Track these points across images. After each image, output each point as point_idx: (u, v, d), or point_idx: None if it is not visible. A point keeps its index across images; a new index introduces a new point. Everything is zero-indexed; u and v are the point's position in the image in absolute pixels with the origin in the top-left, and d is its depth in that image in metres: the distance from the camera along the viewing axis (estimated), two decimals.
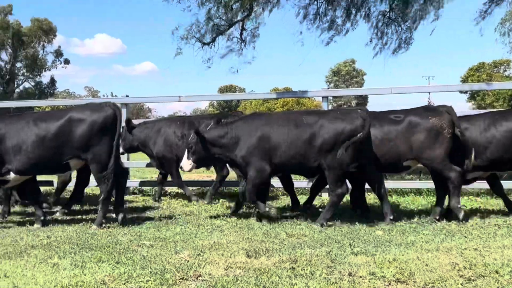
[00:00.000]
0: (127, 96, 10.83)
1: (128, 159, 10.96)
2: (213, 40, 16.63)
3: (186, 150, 7.43)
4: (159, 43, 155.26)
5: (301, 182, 9.69)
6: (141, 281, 4.41)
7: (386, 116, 7.34)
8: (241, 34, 16.88)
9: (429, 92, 20.43)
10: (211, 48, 16.78)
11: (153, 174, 12.62)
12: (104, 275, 4.57)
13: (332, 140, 6.76)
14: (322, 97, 10.55)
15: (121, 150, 9.67)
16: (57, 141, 6.86)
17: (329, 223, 6.95)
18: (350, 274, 4.59)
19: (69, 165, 7.17)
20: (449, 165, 6.96)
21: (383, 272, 4.58)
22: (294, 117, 7.20)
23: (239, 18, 16.53)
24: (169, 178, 9.87)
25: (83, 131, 6.87)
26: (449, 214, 7.22)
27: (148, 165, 10.53)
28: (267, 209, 7.26)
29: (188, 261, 5.10)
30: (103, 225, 7.01)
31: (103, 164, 6.96)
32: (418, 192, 9.89)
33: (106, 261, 5.04)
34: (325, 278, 4.48)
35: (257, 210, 7.39)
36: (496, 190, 7.77)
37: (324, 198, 9.59)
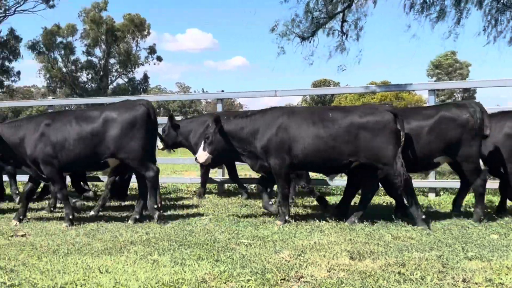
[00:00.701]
0: (222, 91, 11.06)
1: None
2: (313, 34, 16.54)
3: (203, 141, 7.53)
4: (251, 37, 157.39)
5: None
6: (242, 280, 4.50)
7: (416, 112, 7.48)
8: (341, 26, 16.66)
9: None
10: (310, 42, 16.71)
11: (247, 171, 12.80)
12: (204, 273, 4.71)
13: (370, 135, 6.84)
14: (429, 90, 10.18)
15: (161, 146, 10.36)
16: (94, 140, 7.28)
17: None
18: (464, 280, 4.43)
19: (108, 163, 7.58)
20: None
21: (501, 279, 4.39)
22: (319, 111, 7.34)
23: (339, 9, 16.34)
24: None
25: (116, 129, 7.27)
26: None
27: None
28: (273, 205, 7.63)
29: (288, 262, 5.13)
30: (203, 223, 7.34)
31: (140, 160, 7.33)
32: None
33: (206, 259, 5.19)
34: (436, 283, 4.35)
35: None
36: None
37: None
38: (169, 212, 8.38)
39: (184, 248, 5.71)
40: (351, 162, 7.02)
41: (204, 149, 7.49)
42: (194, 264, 5.01)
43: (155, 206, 7.45)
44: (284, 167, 7.15)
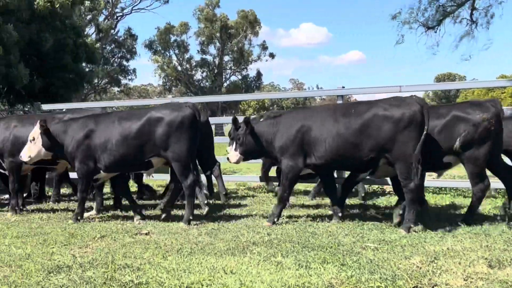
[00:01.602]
0: (342, 87, 10.89)
1: None
2: (439, 23, 15.87)
3: (234, 141, 7.82)
4: (368, 30, 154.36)
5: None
6: (371, 286, 4.41)
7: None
8: (471, 14, 15.81)
9: None
10: (436, 32, 16.04)
11: None
12: (331, 277, 4.67)
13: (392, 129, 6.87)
14: None
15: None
16: (139, 140, 7.68)
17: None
18: None
19: (152, 163, 7.92)
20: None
21: None
22: (342, 108, 7.50)
23: None
24: None
25: (162, 130, 7.61)
26: None
27: None
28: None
29: (420, 268, 4.97)
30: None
31: (184, 163, 7.63)
32: None
33: (331, 263, 5.15)
34: None
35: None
36: None
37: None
38: (289, 213, 8.42)
39: (308, 251, 5.70)
40: (373, 159, 7.09)
41: (235, 149, 7.83)
42: (320, 268, 4.98)
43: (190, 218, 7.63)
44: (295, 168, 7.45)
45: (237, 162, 8.01)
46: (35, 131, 8.20)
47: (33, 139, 8.20)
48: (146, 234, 6.91)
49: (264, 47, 63.15)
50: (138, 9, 51.39)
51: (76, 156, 7.97)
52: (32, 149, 8.21)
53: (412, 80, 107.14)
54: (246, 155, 7.90)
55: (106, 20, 30.65)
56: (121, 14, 50.09)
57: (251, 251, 5.78)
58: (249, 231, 6.95)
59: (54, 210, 9.23)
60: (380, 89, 11.08)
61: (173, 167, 7.80)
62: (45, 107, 12.97)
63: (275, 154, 7.64)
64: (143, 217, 8.07)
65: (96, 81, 41.57)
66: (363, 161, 7.14)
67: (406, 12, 15.92)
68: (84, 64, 17.68)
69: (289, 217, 8.07)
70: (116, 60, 51.52)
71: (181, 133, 7.63)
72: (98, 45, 18.04)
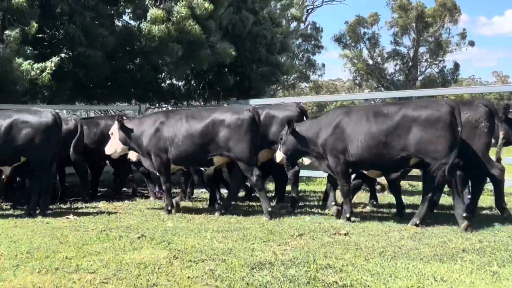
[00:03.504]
0: None
1: None
2: None
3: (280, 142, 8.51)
4: None
5: None
6: None
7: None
8: None
9: None
10: None
11: None
12: None
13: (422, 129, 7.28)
14: None
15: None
16: (203, 139, 8.64)
17: None
18: None
19: (213, 161, 8.86)
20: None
21: None
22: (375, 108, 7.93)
23: None
24: None
25: (224, 131, 8.56)
26: None
27: None
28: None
29: None
30: None
31: (248, 162, 8.51)
32: None
33: None
34: None
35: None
36: None
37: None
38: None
39: None
40: (404, 158, 7.47)
41: (280, 149, 8.52)
42: None
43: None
44: (340, 165, 7.91)
45: (281, 162, 8.68)
46: (114, 126, 9.30)
47: (112, 134, 9.38)
48: (345, 234, 6.95)
49: (463, 36, 59.88)
50: (328, 1, 51.91)
51: (150, 150, 9.06)
52: (113, 144, 9.44)
53: None
54: (289, 155, 8.53)
55: (294, 10, 31.47)
56: (311, 7, 51.01)
57: (462, 259, 5.55)
58: (457, 236, 6.66)
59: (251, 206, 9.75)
60: None
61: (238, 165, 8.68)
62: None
63: (319, 152, 8.21)
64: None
65: (285, 76, 42.95)
66: (393, 160, 7.57)
67: None
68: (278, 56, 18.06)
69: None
70: (303, 55, 52.57)
71: (242, 134, 8.56)
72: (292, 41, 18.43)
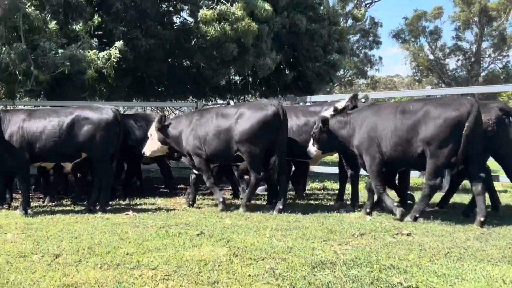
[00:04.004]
0: None
1: None
2: None
3: (312, 137, 8.77)
4: None
5: None
6: None
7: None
8: None
9: None
10: None
11: None
12: None
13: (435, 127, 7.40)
14: None
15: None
16: (227, 135, 8.90)
17: None
18: None
19: (241, 157, 9.02)
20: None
21: None
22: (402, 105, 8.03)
23: None
24: None
25: (244, 126, 8.73)
26: None
27: None
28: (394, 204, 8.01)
29: None
30: None
31: (254, 159, 8.76)
32: None
33: None
34: None
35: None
36: None
37: None
38: None
39: None
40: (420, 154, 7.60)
41: (313, 144, 8.79)
42: None
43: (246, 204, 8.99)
44: (374, 163, 8.08)
45: (315, 157, 9.16)
46: (152, 127, 9.62)
47: (151, 135, 9.69)
48: (407, 235, 6.82)
49: None
50: None
51: (188, 149, 9.39)
52: (151, 144, 9.78)
53: None
54: (323, 150, 8.93)
55: (355, 9, 31.07)
56: (370, 1, 50.29)
57: None
58: None
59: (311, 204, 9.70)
60: None
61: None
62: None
63: (350, 149, 8.50)
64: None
65: (342, 72, 42.52)
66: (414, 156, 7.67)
67: None
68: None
69: None
70: (361, 50, 51.97)
71: (264, 130, 8.71)
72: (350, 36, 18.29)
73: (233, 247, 6.13)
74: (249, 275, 5.04)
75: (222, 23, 13.15)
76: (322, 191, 12.19)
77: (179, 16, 16.41)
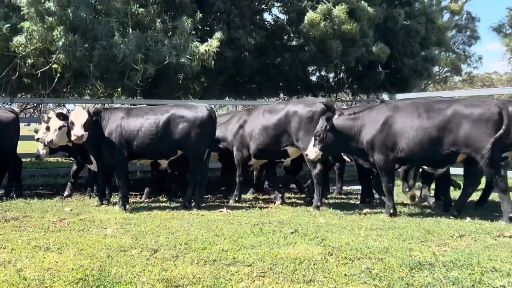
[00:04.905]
0: None
1: None
2: None
3: (313, 137, 8.56)
4: None
5: None
6: None
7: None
8: None
9: None
10: None
11: None
12: None
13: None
14: None
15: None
16: (277, 130, 9.47)
17: None
18: None
19: (288, 152, 9.61)
20: None
21: None
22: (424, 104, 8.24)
23: None
24: None
25: (295, 123, 9.33)
26: None
27: None
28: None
29: None
30: None
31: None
32: None
33: None
34: None
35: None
36: None
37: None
38: None
39: None
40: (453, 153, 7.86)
41: (314, 145, 8.56)
42: None
43: (318, 204, 9.06)
44: (387, 162, 8.24)
45: (315, 158, 8.73)
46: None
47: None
48: (510, 237, 6.61)
49: None
50: None
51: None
52: None
53: None
54: (325, 152, 8.64)
55: (452, 3, 30.06)
56: None
57: None
58: None
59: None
60: None
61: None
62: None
63: (359, 148, 8.52)
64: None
65: (437, 69, 41.26)
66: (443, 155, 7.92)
67: None
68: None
69: None
70: (458, 46, 50.19)
71: (308, 127, 9.12)
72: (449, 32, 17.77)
73: (327, 246, 6.17)
74: (345, 275, 5.07)
75: (325, 23, 13.15)
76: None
77: (271, 14, 16.63)
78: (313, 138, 8.67)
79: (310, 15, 13.16)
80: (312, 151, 8.67)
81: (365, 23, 14.01)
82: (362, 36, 14.15)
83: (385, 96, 14.28)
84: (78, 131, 8.84)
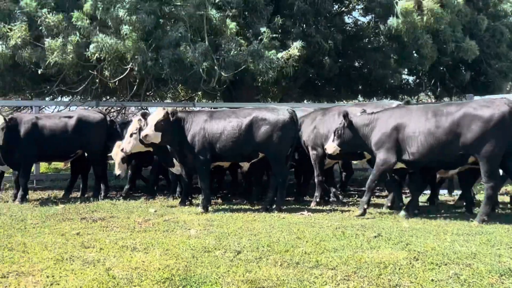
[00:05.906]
0: None
1: None
2: None
3: (333, 133, 9.12)
4: None
5: None
6: None
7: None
8: None
9: None
10: None
11: None
12: None
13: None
14: None
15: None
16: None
17: None
18: None
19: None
20: None
21: None
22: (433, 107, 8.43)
23: None
24: None
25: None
26: None
27: None
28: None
29: None
30: None
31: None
32: None
33: None
34: None
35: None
36: None
37: None
38: None
39: None
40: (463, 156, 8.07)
41: (333, 141, 9.12)
42: None
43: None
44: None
45: (334, 153, 9.30)
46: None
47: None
48: None
49: None
50: None
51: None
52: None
53: None
54: (343, 148, 9.16)
55: None
56: None
57: None
58: None
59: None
60: None
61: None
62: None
63: (370, 147, 8.86)
64: None
65: None
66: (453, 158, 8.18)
67: None
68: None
69: None
70: None
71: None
72: None
73: (412, 251, 6.12)
74: (432, 280, 5.03)
75: (416, 14, 12.89)
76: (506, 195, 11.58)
77: (351, 16, 16.56)
78: (332, 134, 9.22)
79: (403, 4, 12.92)
80: (331, 146, 9.23)
81: (455, 16, 13.64)
82: (453, 30, 13.82)
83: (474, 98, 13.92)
84: (146, 131, 9.24)
